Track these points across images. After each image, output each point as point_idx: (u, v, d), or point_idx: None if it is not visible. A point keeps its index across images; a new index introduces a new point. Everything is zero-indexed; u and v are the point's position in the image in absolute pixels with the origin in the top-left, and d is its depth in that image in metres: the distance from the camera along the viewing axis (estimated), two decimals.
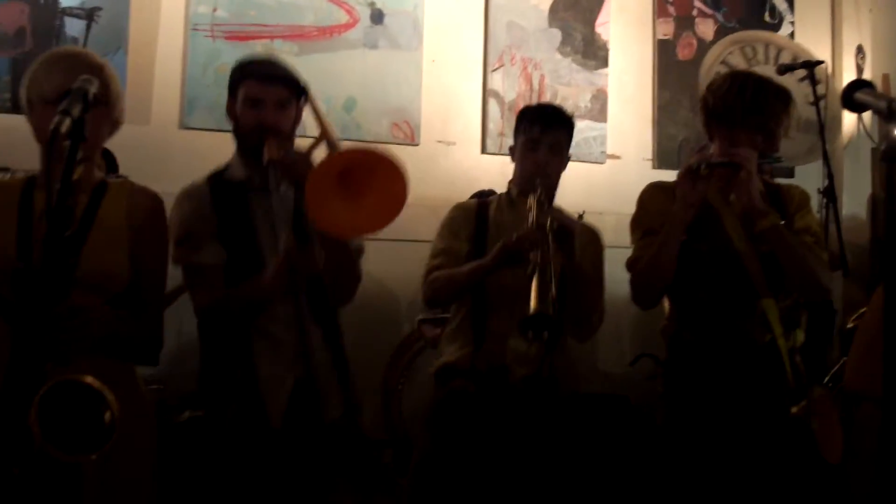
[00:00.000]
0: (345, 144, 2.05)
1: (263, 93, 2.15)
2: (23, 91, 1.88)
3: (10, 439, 1.50)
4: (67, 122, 1.47)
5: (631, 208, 5.19)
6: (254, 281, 2.11)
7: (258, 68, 2.21)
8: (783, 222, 2.24)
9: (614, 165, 4.99)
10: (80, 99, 1.53)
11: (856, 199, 5.22)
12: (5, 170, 2.96)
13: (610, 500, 4.24)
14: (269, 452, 2.07)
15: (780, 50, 4.70)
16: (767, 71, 4.69)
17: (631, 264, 2.37)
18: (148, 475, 1.91)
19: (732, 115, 2.29)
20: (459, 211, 2.60)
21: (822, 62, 3.43)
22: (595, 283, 2.53)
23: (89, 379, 1.54)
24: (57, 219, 1.51)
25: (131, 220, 1.91)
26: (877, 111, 1.72)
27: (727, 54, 4.61)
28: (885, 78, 5.57)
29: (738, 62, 4.60)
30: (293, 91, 2.20)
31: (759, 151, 2.26)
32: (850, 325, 3.90)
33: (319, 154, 2.04)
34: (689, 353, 2.34)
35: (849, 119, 5.49)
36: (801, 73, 3.88)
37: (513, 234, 2.33)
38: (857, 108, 1.80)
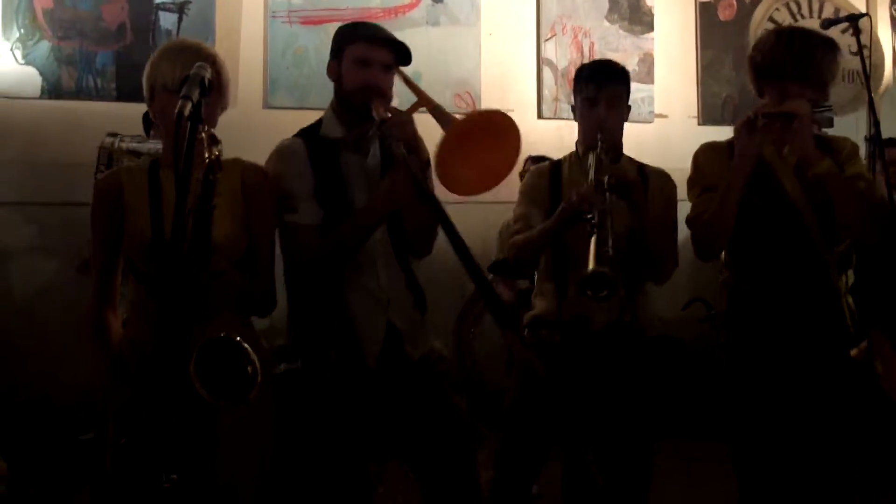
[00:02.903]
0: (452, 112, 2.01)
1: (372, 54, 2.05)
2: (145, 80, 1.89)
3: (167, 390, 1.53)
4: (189, 105, 1.49)
5: (679, 164, 5.05)
6: (368, 202, 2.04)
7: (366, 31, 2.11)
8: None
9: (662, 124, 4.86)
10: (197, 84, 1.54)
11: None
12: (114, 135, 2.98)
13: (675, 434, 4.22)
14: (368, 392, 2.04)
15: (822, 3, 4.48)
16: (813, 25, 4.49)
17: (691, 221, 2.26)
18: (270, 421, 1.94)
19: (782, 70, 2.16)
20: (535, 177, 2.48)
21: (865, 14, 3.24)
22: (666, 228, 2.37)
23: (237, 336, 1.56)
24: (197, 193, 1.54)
25: (246, 192, 1.91)
26: None
27: (773, 11, 4.42)
28: None
29: (785, 18, 4.40)
30: (396, 55, 2.10)
31: (811, 102, 2.14)
32: None
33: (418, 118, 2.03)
34: (749, 304, 2.24)
35: (886, 67, 5.25)
36: (844, 24, 3.69)
37: (571, 194, 2.25)
38: None
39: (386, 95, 2.06)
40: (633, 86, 4.66)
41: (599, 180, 2.23)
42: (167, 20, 3.83)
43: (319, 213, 2.05)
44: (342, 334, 2.04)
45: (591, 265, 2.07)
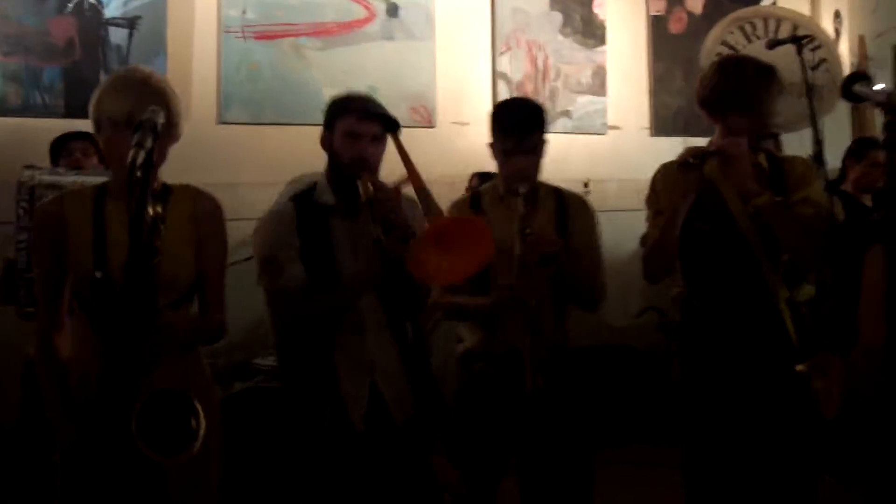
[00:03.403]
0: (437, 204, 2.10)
1: (361, 127, 2.13)
2: (91, 111, 1.85)
3: (108, 441, 1.55)
4: (142, 154, 1.50)
5: (632, 174, 5.12)
6: (344, 278, 2.12)
7: (356, 105, 2.18)
8: (781, 197, 2.20)
9: (615, 135, 4.92)
10: (150, 131, 1.54)
11: (835, 154, 5.04)
12: (31, 167, 2.85)
13: (627, 440, 4.26)
14: (356, 453, 2.11)
15: (779, 21, 4.50)
16: (763, 46, 4.55)
17: (642, 241, 2.36)
18: (217, 452, 1.92)
19: (721, 102, 2.26)
20: (456, 209, 2.54)
21: (808, 36, 3.30)
22: (587, 258, 2.44)
23: (181, 388, 1.58)
24: (142, 242, 1.54)
25: (196, 223, 1.89)
26: (877, 103, 1.66)
27: (727, 34, 4.43)
28: (861, 39, 5.44)
29: (738, 40, 4.40)
30: (385, 127, 2.17)
31: (753, 130, 2.22)
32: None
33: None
34: (699, 319, 2.34)
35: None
36: (811, 40, 3.72)
37: (491, 296, 2.30)
38: (856, 99, 1.74)
39: (374, 168, 2.13)
40: (587, 98, 4.81)
41: (522, 231, 2.27)
42: (117, 35, 3.76)
43: (303, 277, 2.10)
44: (330, 394, 2.11)
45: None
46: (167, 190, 1.88)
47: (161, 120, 1.59)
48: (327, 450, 2.11)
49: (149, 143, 1.51)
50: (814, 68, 2.97)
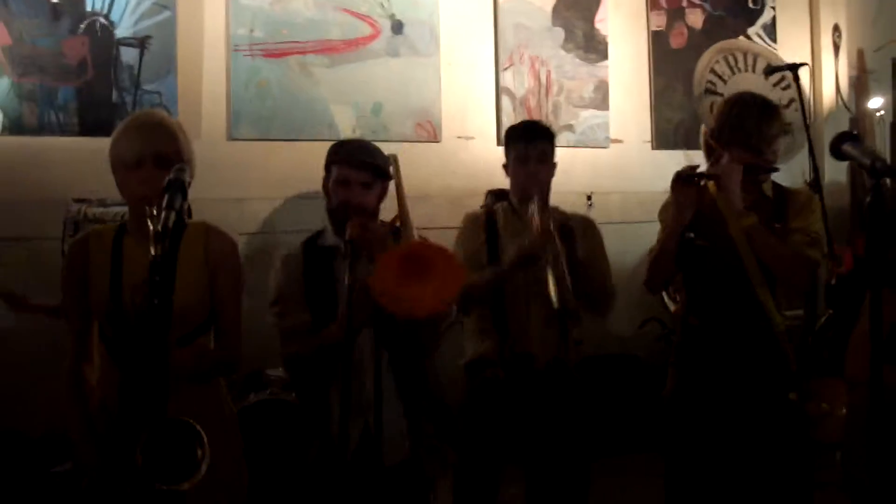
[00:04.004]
0: (412, 234, 2.08)
1: (350, 175, 2.21)
2: (109, 154, 1.93)
3: (120, 467, 1.63)
4: (173, 216, 1.53)
5: (634, 187, 5.16)
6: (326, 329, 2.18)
7: (347, 154, 2.26)
8: (779, 225, 2.29)
9: (617, 149, 4.96)
10: (179, 190, 1.58)
11: (836, 166, 5.16)
12: (81, 201, 2.96)
13: (629, 446, 4.28)
14: (344, 484, 2.14)
15: (756, 56, 4.72)
16: (748, 78, 4.70)
17: (650, 252, 2.46)
18: (241, 475, 2.00)
19: (724, 136, 2.37)
20: (470, 222, 2.66)
21: (804, 64, 3.37)
22: (598, 267, 2.60)
23: (187, 419, 1.61)
24: (160, 285, 1.55)
25: (210, 259, 1.95)
26: (861, 166, 1.71)
27: (714, 63, 4.63)
28: (860, 53, 5.49)
29: (724, 70, 4.61)
30: (377, 174, 2.24)
31: (751, 163, 2.29)
32: (833, 281, 3.89)
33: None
34: (694, 336, 2.40)
35: (828, 92, 5.43)
36: (784, 77, 3.86)
37: (524, 241, 2.39)
38: (844, 158, 1.79)
39: (366, 211, 2.20)
40: (590, 112, 4.87)
41: (546, 226, 2.39)
42: (128, 55, 3.83)
43: (308, 317, 2.20)
44: (321, 430, 2.18)
45: (555, 301, 2.19)
46: (181, 227, 1.92)
47: (188, 178, 1.65)
48: (314, 479, 2.17)
49: (178, 203, 1.55)
50: (785, 107, 3.08)
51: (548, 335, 2.50)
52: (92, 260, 1.91)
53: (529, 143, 2.60)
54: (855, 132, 1.92)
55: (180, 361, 1.79)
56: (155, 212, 1.52)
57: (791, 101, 3.61)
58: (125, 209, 2.79)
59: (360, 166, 2.22)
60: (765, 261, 2.28)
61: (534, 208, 2.47)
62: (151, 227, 1.51)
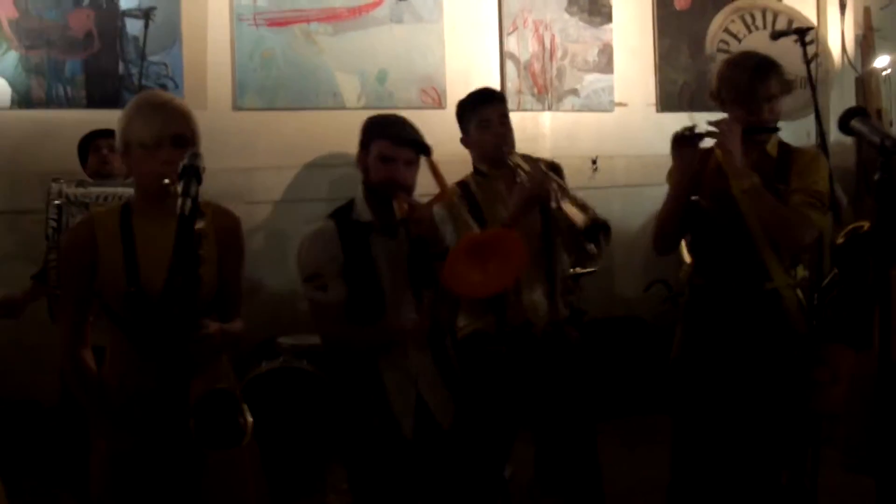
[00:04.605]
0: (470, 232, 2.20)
1: (395, 153, 2.20)
2: (119, 134, 1.90)
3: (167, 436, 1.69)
4: (189, 203, 1.57)
5: (639, 150, 5.15)
6: (386, 324, 2.19)
7: (392, 130, 2.25)
8: (783, 185, 2.28)
9: (622, 112, 4.94)
10: (194, 175, 1.62)
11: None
12: (57, 181, 2.92)
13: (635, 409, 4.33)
14: (407, 461, 2.20)
15: (776, 14, 4.64)
16: (765, 36, 4.63)
17: (657, 216, 2.45)
18: (254, 450, 2.04)
19: (724, 95, 2.38)
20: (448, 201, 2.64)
21: (812, 28, 3.33)
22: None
23: (231, 389, 1.72)
24: (188, 260, 1.61)
25: (218, 238, 1.96)
26: (870, 143, 1.69)
27: (729, 23, 4.55)
28: (867, 11, 5.42)
29: (740, 29, 4.53)
30: (419, 151, 2.25)
31: (749, 122, 2.29)
32: (839, 241, 3.89)
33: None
34: (701, 297, 2.41)
35: (834, 51, 5.37)
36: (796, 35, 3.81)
37: (523, 183, 2.39)
38: (852, 134, 1.77)
39: (408, 189, 2.21)
40: (594, 76, 4.85)
41: (538, 166, 2.42)
42: (133, 26, 3.82)
43: (345, 292, 2.19)
44: (378, 405, 2.19)
45: (581, 220, 2.20)
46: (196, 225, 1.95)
47: (202, 164, 1.67)
48: (378, 458, 2.19)
49: (194, 190, 1.59)
50: (808, 62, 3.05)
51: (540, 300, 2.51)
52: (100, 244, 1.89)
53: (490, 105, 2.62)
54: (863, 107, 1.90)
55: (213, 335, 1.83)
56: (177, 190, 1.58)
57: (814, 56, 3.58)
58: (104, 190, 2.88)
59: (404, 143, 2.21)
60: (762, 222, 2.28)
61: (516, 159, 2.49)
62: (179, 202, 1.55)
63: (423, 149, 2.24)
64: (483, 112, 2.62)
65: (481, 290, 2.13)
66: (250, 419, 1.74)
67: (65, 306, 1.96)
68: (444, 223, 2.34)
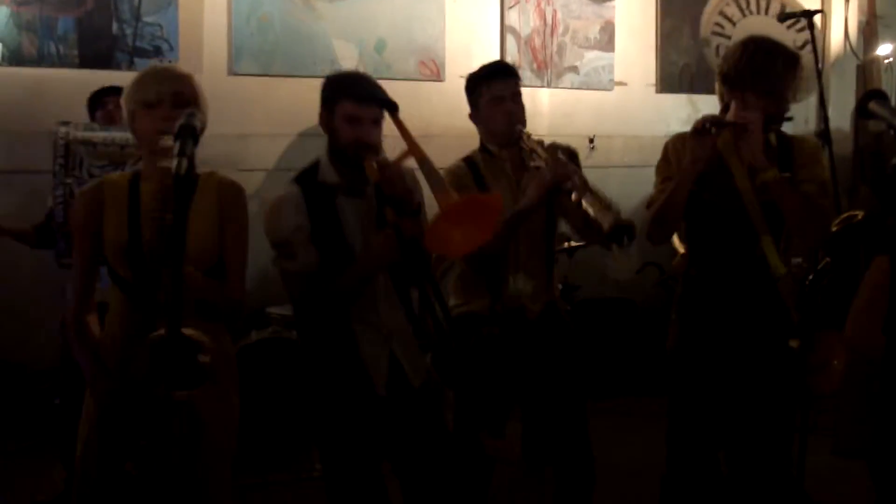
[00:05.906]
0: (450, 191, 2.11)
1: (361, 112, 2.12)
2: (125, 105, 1.95)
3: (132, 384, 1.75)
4: (185, 163, 1.55)
5: (638, 131, 5.11)
6: (360, 259, 2.14)
7: (355, 90, 2.16)
8: (788, 174, 2.23)
9: (621, 92, 4.89)
10: (190, 135, 1.60)
11: (841, 114, 5.09)
12: (66, 124, 3.01)
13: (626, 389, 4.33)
14: (379, 417, 2.17)
15: (769, 0, 4.60)
16: (760, 21, 4.57)
17: (648, 205, 2.38)
18: (236, 409, 2.09)
19: (743, 81, 2.25)
20: (456, 177, 2.52)
21: (819, 11, 3.29)
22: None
23: (189, 331, 1.71)
24: (175, 239, 1.63)
25: (221, 208, 2.01)
26: (890, 126, 1.65)
27: (724, 6, 4.49)
28: None
29: (734, 12, 4.49)
30: (383, 109, 2.18)
31: (769, 113, 2.22)
32: (834, 229, 3.86)
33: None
34: (695, 288, 2.38)
35: (836, 37, 5.32)
36: (796, 20, 3.78)
37: (543, 172, 2.30)
38: (870, 116, 1.73)
39: (376, 148, 2.13)
40: (594, 54, 4.79)
41: (555, 154, 2.30)
42: None
43: (316, 257, 2.13)
44: (351, 364, 2.16)
45: (605, 224, 2.14)
46: (193, 178, 1.97)
47: (199, 124, 1.66)
48: (352, 415, 2.16)
49: (190, 149, 1.57)
50: (800, 48, 3.01)
51: (538, 284, 2.48)
52: (108, 204, 1.96)
53: (503, 80, 2.46)
54: (882, 91, 1.86)
55: (193, 279, 1.87)
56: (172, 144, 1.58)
57: (805, 42, 3.55)
58: (110, 134, 2.97)
59: (370, 102, 2.14)
60: (786, 214, 2.22)
61: (531, 142, 2.38)
62: (174, 162, 1.54)
63: (389, 105, 2.17)
64: (496, 87, 2.46)
65: (459, 249, 2.10)
66: (209, 356, 1.77)
67: (78, 266, 2.02)
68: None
